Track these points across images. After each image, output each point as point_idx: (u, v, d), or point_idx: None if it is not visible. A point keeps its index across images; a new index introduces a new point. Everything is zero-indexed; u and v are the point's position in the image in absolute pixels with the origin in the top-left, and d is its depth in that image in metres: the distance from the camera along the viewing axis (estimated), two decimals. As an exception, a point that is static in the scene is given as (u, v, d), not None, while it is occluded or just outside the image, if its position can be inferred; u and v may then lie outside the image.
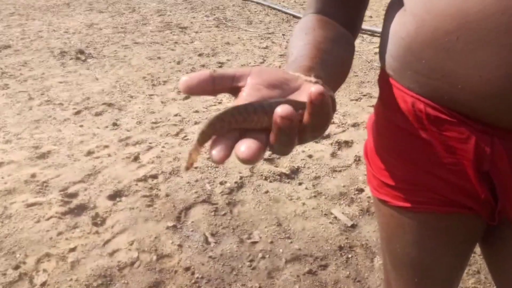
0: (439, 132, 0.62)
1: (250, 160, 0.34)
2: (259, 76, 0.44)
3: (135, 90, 3.35)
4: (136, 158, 2.36)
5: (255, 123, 0.39)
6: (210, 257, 1.68)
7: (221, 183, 2.10)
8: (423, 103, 0.62)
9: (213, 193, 2.04)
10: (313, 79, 0.46)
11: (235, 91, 0.44)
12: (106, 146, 2.49)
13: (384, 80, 0.70)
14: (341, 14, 0.66)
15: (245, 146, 0.35)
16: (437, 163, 0.64)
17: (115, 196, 2.06)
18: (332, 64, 0.54)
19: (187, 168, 0.42)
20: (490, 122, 0.57)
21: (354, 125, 2.68)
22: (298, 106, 0.39)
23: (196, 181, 2.13)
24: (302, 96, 0.43)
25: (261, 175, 2.16)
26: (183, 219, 1.89)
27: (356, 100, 3.06)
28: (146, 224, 1.86)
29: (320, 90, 0.36)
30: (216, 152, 0.37)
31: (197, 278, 1.59)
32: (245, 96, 0.42)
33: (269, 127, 0.38)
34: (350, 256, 1.67)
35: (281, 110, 0.35)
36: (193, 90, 0.41)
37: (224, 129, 0.38)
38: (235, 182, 2.09)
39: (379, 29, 3.97)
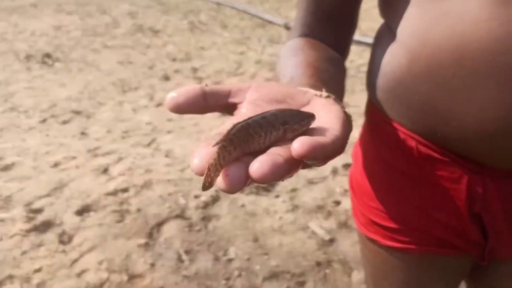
0: (430, 171, 0.59)
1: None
2: (259, 90, 0.39)
3: (104, 97, 3.23)
4: (105, 170, 2.26)
5: (262, 142, 0.32)
6: (184, 276, 1.61)
7: (195, 197, 2.03)
8: (415, 140, 0.59)
9: (187, 208, 1.97)
10: (324, 93, 0.41)
11: (230, 108, 0.39)
12: (74, 157, 2.38)
13: (372, 112, 0.66)
14: (328, 37, 0.61)
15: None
16: (428, 203, 0.62)
17: (83, 211, 1.96)
18: (331, 83, 0.49)
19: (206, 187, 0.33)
20: (483, 162, 0.55)
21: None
22: (284, 117, 0.33)
23: (169, 194, 2.06)
24: (313, 110, 0.37)
25: (237, 187, 2.11)
26: (156, 236, 1.81)
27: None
28: (116, 241, 1.78)
29: (304, 150, 0.29)
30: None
31: (171, 299, 1.52)
32: (245, 113, 0.36)
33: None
34: (327, 271, 1.64)
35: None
36: (181, 108, 0.36)
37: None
38: (210, 196, 2.03)
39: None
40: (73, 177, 2.20)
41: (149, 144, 2.55)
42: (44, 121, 2.82)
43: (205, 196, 2.03)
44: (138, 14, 6.15)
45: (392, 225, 0.65)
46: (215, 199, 2.02)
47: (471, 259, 0.65)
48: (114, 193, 2.08)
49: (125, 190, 2.10)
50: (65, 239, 1.79)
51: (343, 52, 0.64)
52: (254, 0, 7.49)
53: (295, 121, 0.34)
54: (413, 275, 0.68)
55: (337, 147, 0.32)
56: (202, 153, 0.29)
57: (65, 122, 2.81)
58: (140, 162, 2.34)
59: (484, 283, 0.68)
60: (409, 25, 0.55)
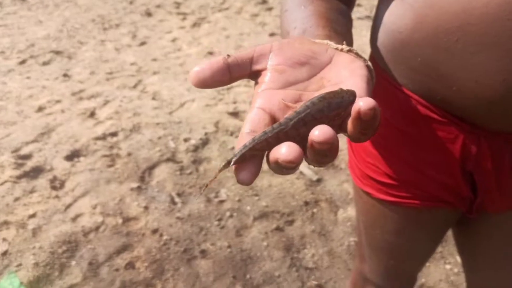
0: (428, 131, 0.61)
1: (293, 162, 0.29)
2: (281, 53, 0.38)
3: (84, 35, 3.10)
4: (92, 114, 2.23)
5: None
6: (177, 218, 1.67)
7: (185, 140, 2.04)
8: (415, 101, 0.60)
9: (178, 151, 1.99)
10: (345, 47, 0.41)
11: (254, 75, 0.38)
12: (58, 101, 2.33)
13: (376, 71, 0.66)
14: None
15: (286, 148, 0.29)
16: (424, 161, 0.64)
17: (73, 156, 1.96)
18: (345, 33, 0.48)
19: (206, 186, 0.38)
20: (479, 124, 0.56)
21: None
22: (335, 104, 0.33)
23: (159, 138, 2.06)
24: (337, 71, 0.38)
25: (226, 130, 2.11)
26: (148, 179, 1.84)
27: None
28: (109, 186, 1.81)
29: (371, 105, 0.30)
30: (245, 174, 0.33)
31: (166, 239, 1.58)
32: (268, 83, 0.37)
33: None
34: (315, 210, 1.71)
35: (319, 133, 0.29)
36: (207, 83, 0.36)
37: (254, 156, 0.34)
38: (200, 139, 2.04)
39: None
40: (60, 122, 2.17)
41: (135, 86, 2.50)
42: (23, 62, 2.72)
43: (195, 139, 2.04)
44: None
45: (386, 180, 0.67)
46: (204, 142, 2.04)
47: (459, 211, 0.68)
48: (103, 137, 2.07)
49: (114, 134, 2.09)
50: (57, 184, 1.81)
51: (350, 3, 0.61)
52: None
53: (344, 107, 0.34)
54: (403, 225, 0.71)
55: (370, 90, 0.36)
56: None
57: (45, 63, 2.71)
58: (127, 105, 2.30)
59: (470, 233, 0.73)
60: None
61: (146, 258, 1.52)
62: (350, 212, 1.69)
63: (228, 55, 0.37)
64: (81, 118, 2.20)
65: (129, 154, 1.97)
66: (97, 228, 1.63)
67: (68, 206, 1.71)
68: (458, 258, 1.45)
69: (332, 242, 1.58)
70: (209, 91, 2.42)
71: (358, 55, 0.41)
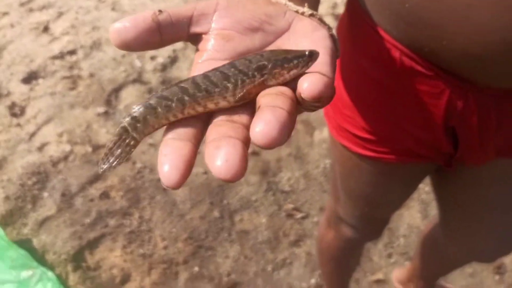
0: (411, 84, 0.55)
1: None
2: (228, 14, 0.32)
3: None
4: (46, 29, 2.01)
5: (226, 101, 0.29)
6: (150, 144, 1.62)
7: (152, 58, 1.89)
8: (399, 51, 0.53)
9: (144, 70, 1.86)
10: (306, 10, 0.34)
11: (194, 39, 0.32)
12: (6, 13, 2.08)
13: (355, 11, 0.57)
14: None
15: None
16: (404, 116, 0.59)
17: (30, 78, 1.81)
18: None
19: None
20: (468, 78, 0.52)
21: None
22: (295, 63, 0.29)
23: (123, 56, 1.90)
24: (295, 40, 0.32)
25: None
26: (114, 103, 1.74)
27: None
28: (73, 111, 1.70)
29: (314, 92, 0.26)
30: (168, 173, 0.25)
31: (139, 168, 1.55)
32: (211, 52, 0.31)
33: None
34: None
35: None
36: (131, 45, 0.30)
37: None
38: (168, 57, 1.90)
39: None
40: (10, 39, 1.96)
41: (91, -6, 2.23)
42: (-44, -36, 2.35)
43: (162, 57, 1.90)
44: None
45: (363, 134, 0.64)
46: (173, 60, 1.90)
47: (437, 164, 0.66)
48: (60, 56, 1.89)
49: (72, 52, 1.91)
50: (16, 111, 1.70)
51: None
52: None
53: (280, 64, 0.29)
54: (379, 178, 0.70)
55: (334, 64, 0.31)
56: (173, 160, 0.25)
57: (-17, -34, 2.36)
58: (84, 18, 2.08)
59: (447, 183, 0.72)
60: None
61: (121, 187, 1.50)
62: (325, 133, 1.68)
63: (160, 11, 0.30)
64: (34, 34, 1.99)
65: (91, 75, 1.83)
66: (66, 158, 1.57)
67: (32, 135, 1.62)
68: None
69: (308, 164, 1.59)
70: (177, 1, 2.20)
71: (321, 21, 0.34)
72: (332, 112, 0.68)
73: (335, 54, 0.32)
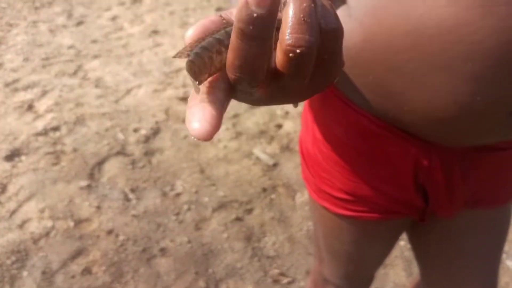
0: (380, 147, 0.60)
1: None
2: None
3: (14, 16, 2.83)
4: (30, 107, 2.07)
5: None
6: (133, 215, 1.61)
7: (135, 131, 1.95)
8: (367, 119, 0.58)
9: (127, 143, 1.90)
10: None
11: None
12: (-10, 94, 2.14)
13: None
14: None
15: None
16: (377, 176, 0.64)
17: (13, 156, 1.82)
18: None
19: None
20: (431, 140, 0.57)
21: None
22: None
23: (106, 130, 1.95)
24: None
25: (178, 117, 2.04)
26: (98, 176, 1.76)
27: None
28: (56, 186, 1.71)
29: (298, 43, 0.22)
30: (198, 125, 0.23)
31: (122, 240, 1.54)
32: None
33: None
34: (273, 197, 1.72)
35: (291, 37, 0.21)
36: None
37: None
38: (151, 128, 1.96)
39: None
40: (-6, 118, 2.00)
41: (75, 73, 2.33)
42: None
43: (145, 129, 1.96)
44: None
45: (342, 195, 0.67)
46: (156, 132, 1.96)
47: (412, 219, 0.70)
48: (44, 132, 1.93)
49: (56, 128, 1.96)
50: (-2, 189, 1.69)
51: None
52: None
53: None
54: (360, 236, 0.73)
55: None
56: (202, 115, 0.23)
57: (-30, 51, 2.46)
58: (68, 95, 2.16)
59: (422, 235, 0.75)
60: (364, 1, 0.50)
61: (103, 262, 1.47)
62: (307, 195, 1.71)
63: (220, 15, 0.28)
64: (19, 112, 2.04)
65: (74, 150, 1.86)
66: (47, 234, 1.54)
67: (13, 212, 1.61)
68: (410, 234, 1.53)
69: (292, 227, 1.61)
70: (157, 75, 2.31)
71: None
72: (311, 175, 0.72)
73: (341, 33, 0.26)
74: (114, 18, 2.86)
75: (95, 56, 2.47)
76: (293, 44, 0.22)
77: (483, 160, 0.61)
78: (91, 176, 1.75)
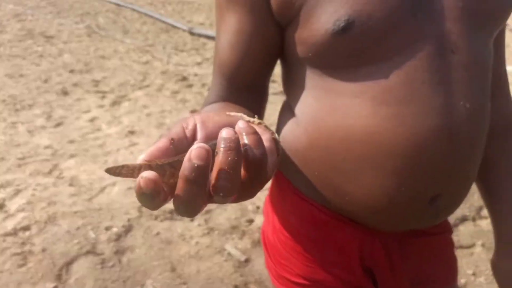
0: (330, 234, 0.68)
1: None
2: (205, 127, 0.40)
3: (-7, 118, 2.93)
4: (1, 206, 2.06)
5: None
6: (100, 319, 1.56)
7: (106, 229, 1.96)
8: (317, 209, 0.67)
9: (98, 241, 1.89)
10: (256, 120, 0.44)
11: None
12: (-39, 194, 2.13)
13: (279, 178, 0.73)
14: (244, 103, 0.63)
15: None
16: (329, 261, 0.70)
17: (-23, 258, 1.77)
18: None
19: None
20: (371, 226, 0.65)
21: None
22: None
23: (77, 228, 1.95)
24: None
25: (151, 214, 2.07)
26: (65, 277, 1.71)
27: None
28: (20, 289, 1.65)
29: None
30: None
31: None
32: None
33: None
34: (245, 294, 1.71)
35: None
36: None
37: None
38: (123, 226, 1.97)
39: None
40: (-39, 219, 1.97)
41: (50, 172, 2.37)
42: None
43: (117, 227, 1.97)
44: (26, 16, 5.62)
45: (300, 280, 0.73)
46: (127, 229, 1.97)
47: None
48: (13, 232, 1.91)
49: (26, 228, 1.94)
50: (-44, 294, 1.61)
51: (260, 114, 0.68)
52: (156, 2, 7.27)
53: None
54: None
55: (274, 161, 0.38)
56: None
57: None
58: (42, 194, 2.17)
59: None
60: (307, 112, 0.62)
61: None
62: None
63: (172, 139, 0.38)
64: (-12, 213, 2.02)
65: (43, 250, 1.83)
66: None
67: (-30, 319, 1.52)
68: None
69: (264, 326, 1.57)
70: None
71: (267, 127, 0.44)
72: (272, 263, 0.78)
73: (275, 152, 0.40)
74: (92, 120, 3.00)
75: (72, 156, 2.54)
76: (215, 189, 0.32)
77: (418, 244, 0.69)
78: (58, 277, 1.71)
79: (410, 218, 0.61)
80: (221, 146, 0.32)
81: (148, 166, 0.33)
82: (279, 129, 0.70)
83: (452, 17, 0.54)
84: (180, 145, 0.38)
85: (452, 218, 1.95)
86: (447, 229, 0.77)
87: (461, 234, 2.03)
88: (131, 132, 2.85)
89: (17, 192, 2.18)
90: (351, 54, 0.54)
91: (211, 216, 2.10)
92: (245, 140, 0.35)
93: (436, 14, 0.53)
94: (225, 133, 0.32)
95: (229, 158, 0.31)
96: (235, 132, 0.33)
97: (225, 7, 0.60)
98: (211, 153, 0.31)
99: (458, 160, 0.57)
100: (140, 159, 0.34)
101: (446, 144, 0.55)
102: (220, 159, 0.31)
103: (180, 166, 0.32)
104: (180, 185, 0.32)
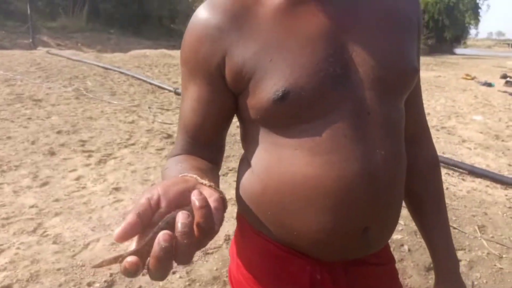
0: (284, 267, 0.77)
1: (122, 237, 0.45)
2: (167, 196, 0.51)
3: (-20, 180, 2.98)
4: (-17, 267, 2.07)
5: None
6: None
7: (88, 285, 1.97)
8: (272, 245, 0.77)
9: (80, 298, 1.90)
10: (207, 182, 0.55)
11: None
12: None
13: (241, 220, 0.83)
14: (203, 156, 0.76)
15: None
16: None
17: (-43, 319, 1.76)
18: (210, 177, 0.63)
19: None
20: (319, 257, 0.75)
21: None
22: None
23: (60, 285, 1.96)
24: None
25: (133, 269, 2.10)
26: (46, 335, 1.71)
27: (223, 175, 3.24)
28: None
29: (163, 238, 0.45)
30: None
31: None
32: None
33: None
34: None
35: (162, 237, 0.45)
36: (128, 237, 0.47)
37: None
38: (105, 281, 1.99)
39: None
40: None
41: (34, 231, 2.41)
42: None
43: (99, 282, 1.99)
44: (15, 81, 5.83)
45: None
46: (110, 284, 1.99)
47: None
48: (-6, 292, 1.91)
49: (7, 287, 1.95)
50: None
51: (218, 164, 0.81)
52: (143, 65, 7.62)
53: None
54: None
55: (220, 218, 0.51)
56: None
57: None
58: (25, 253, 2.19)
59: None
60: (260, 162, 0.74)
61: None
62: None
63: (139, 213, 0.49)
64: (-30, 273, 2.03)
65: (24, 309, 1.83)
66: None
67: None
68: None
69: None
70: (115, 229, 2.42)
71: (215, 189, 0.56)
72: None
73: (221, 210, 0.52)
74: (78, 178, 3.07)
75: (56, 214, 2.58)
76: (177, 258, 0.47)
77: (364, 273, 0.78)
78: (38, 335, 1.70)
79: (346, 248, 0.72)
80: (179, 229, 0.46)
81: (134, 252, 0.46)
82: (239, 178, 0.82)
83: (366, 87, 0.68)
84: (146, 215, 0.49)
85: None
86: (391, 260, 0.86)
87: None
88: (116, 189, 2.92)
89: (0, 251, 2.20)
90: (289, 116, 0.67)
91: (192, 268, 2.14)
92: (197, 217, 0.48)
93: (353, 85, 0.68)
94: (181, 218, 0.47)
95: (185, 241, 0.46)
96: (188, 215, 0.47)
97: (188, 79, 0.74)
98: (173, 236, 0.45)
99: (380, 197, 0.69)
100: (115, 235, 0.47)
101: (368, 184, 0.67)
102: (178, 240, 0.46)
103: (152, 242, 0.45)
104: (152, 261, 0.45)
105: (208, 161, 0.76)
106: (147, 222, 0.48)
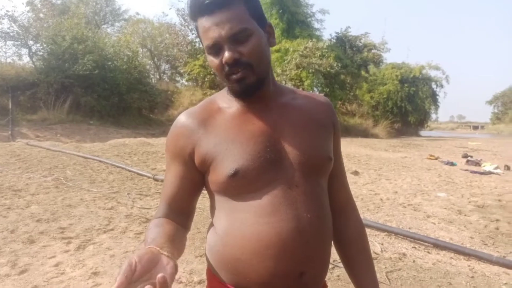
0: None
1: None
2: (141, 264, 0.74)
3: (-43, 270, 2.98)
4: None
5: None
6: None
7: None
8: None
9: None
10: (165, 253, 0.79)
11: None
12: None
13: (209, 275, 1.03)
14: (179, 220, 1.02)
15: None
16: None
17: None
18: (177, 241, 0.89)
19: None
20: None
21: (200, 282, 2.92)
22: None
23: None
24: (158, 267, 0.76)
25: None
26: None
27: (201, 256, 3.35)
28: None
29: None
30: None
31: None
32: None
33: None
34: None
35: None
36: None
37: None
38: None
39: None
40: None
41: (12, 318, 2.42)
42: None
43: None
44: (-4, 172, 5.91)
45: None
46: None
47: None
48: None
49: None
50: None
51: (186, 226, 1.06)
52: (122, 153, 7.87)
53: None
54: None
55: (173, 278, 0.73)
56: None
57: None
58: None
59: None
60: (221, 223, 0.98)
61: None
62: None
63: (126, 276, 0.73)
64: None
65: None
66: None
67: None
68: None
69: None
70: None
71: (171, 258, 0.79)
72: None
73: (174, 275, 0.75)
74: (57, 264, 3.12)
75: (35, 300, 2.60)
76: None
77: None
78: None
79: None
80: None
81: None
82: (207, 239, 1.06)
83: (294, 168, 0.97)
84: (130, 276, 0.72)
85: None
86: None
87: None
88: (95, 273, 2.97)
89: None
90: (239, 188, 0.95)
91: None
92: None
93: (284, 167, 0.96)
94: None
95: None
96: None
97: (170, 162, 1.04)
98: None
99: (310, 248, 0.93)
100: (115, 286, 0.72)
101: (299, 238, 0.92)
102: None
103: None
104: None
105: (180, 225, 1.01)
106: (130, 280, 0.72)
